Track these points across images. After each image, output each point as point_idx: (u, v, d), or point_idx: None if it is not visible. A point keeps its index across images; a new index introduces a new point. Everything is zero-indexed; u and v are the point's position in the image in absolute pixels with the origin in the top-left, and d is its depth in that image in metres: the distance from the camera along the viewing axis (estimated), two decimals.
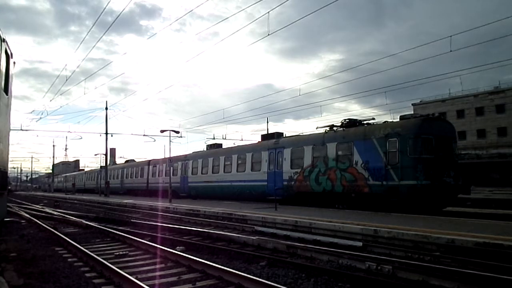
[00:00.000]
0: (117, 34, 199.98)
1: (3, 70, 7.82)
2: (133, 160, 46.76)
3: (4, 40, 7.75)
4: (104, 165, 42.08)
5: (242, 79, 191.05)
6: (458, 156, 17.00)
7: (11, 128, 12.02)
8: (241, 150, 23.88)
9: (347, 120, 17.93)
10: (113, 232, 10.89)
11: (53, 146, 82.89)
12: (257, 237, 9.52)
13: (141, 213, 19.29)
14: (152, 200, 26.27)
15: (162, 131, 25.42)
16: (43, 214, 18.93)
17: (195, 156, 28.74)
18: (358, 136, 16.02)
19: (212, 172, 25.53)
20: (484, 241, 7.27)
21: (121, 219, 15.55)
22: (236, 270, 6.08)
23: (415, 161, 13.93)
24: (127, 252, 8.40)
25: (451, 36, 16.04)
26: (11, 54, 8.62)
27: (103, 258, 7.06)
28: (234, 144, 33.69)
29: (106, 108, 37.91)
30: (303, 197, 18.08)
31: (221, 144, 29.75)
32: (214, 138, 42.41)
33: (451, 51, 16.47)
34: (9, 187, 61.95)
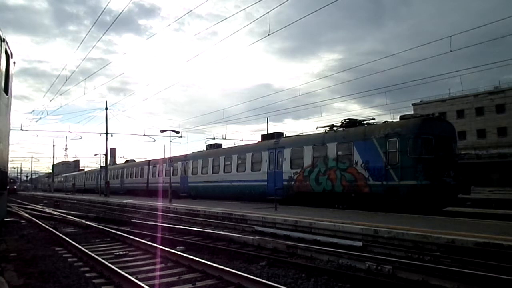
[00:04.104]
0: (116, 33, 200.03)
1: (3, 70, 7.82)
2: (133, 160, 46.77)
3: (4, 40, 7.75)
4: (104, 165, 42.08)
5: (241, 79, 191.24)
6: (458, 156, 17.00)
7: (11, 128, 12.02)
8: (241, 150, 23.89)
9: (347, 120, 17.94)
10: (113, 232, 10.89)
11: (53, 146, 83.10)
12: (257, 237, 9.52)
13: (141, 213, 19.29)
14: (152, 200, 26.28)
15: (162, 131, 25.44)
16: (43, 214, 18.93)
17: (195, 156, 28.75)
18: (358, 136, 16.02)
19: (212, 172, 25.53)
20: (484, 241, 7.27)
21: (121, 219, 15.55)
22: (236, 270, 6.07)
23: (415, 161, 13.93)
24: (127, 252, 8.40)
25: (451, 36, 16.05)
26: (11, 54, 8.62)
27: (103, 258, 7.06)
28: (234, 144, 33.72)
29: (106, 108, 37.94)
30: (303, 197, 18.08)
31: (221, 144, 29.76)
32: (214, 138, 42.48)
33: (451, 51, 16.47)
34: (15, 187, 61.96)
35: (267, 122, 53.91)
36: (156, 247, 8.25)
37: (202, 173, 26.81)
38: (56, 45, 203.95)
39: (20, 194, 59.80)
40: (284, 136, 22.30)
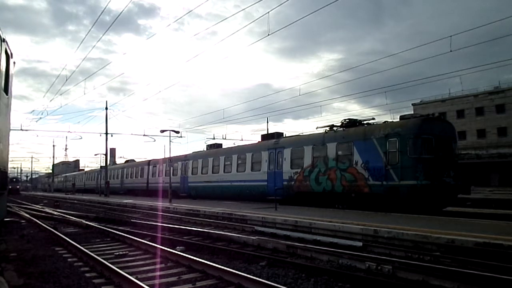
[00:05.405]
0: (115, 33, 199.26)
1: (3, 70, 7.83)
2: (133, 160, 46.79)
3: (4, 40, 7.76)
4: (104, 165, 42.09)
5: (240, 79, 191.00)
6: (458, 156, 17.00)
7: (11, 128, 12.03)
8: (241, 150, 23.89)
9: (347, 120, 17.95)
10: (113, 232, 10.89)
11: (53, 146, 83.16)
12: (257, 237, 9.52)
13: (141, 213, 19.30)
14: (152, 200, 26.28)
15: (162, 131, 25.45)
16: (43, 214, 18.93)
17: (195, 156, 28.76)
18: (358, 136, 16.03)
19: (212, 172, 25.54)
20: (484, 241, 7.27)
21: (121, 219, 15.55)
22: (236, 270, 6.08)
23: (415, 161, 13.93)
24: (127, 252, 8.40)
25: (451, 36, 16.03)
26: (11, 54, 8.63)
27: (103, 258, 7.07)
28: (234, 144, 33.74)
29: (106, 108, 37.93)
30: (303, 197, 18.08)
31: (221, 144, 29.78)
32: (214, 138, 42.48)
33: (451, 51, 16.45)
34: (17, 187, 61.69)
35: (267, 122, 53.96)
36: (156, 247, 8.25)
37: (202, 173, 26.81)
38: (55, 45, 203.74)
39: (20, 194, 59.78)
40: (284, 136, 22.31)
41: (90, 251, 7.84)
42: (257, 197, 20.60)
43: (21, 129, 38.87)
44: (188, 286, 5.69)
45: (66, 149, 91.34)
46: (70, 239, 9.57)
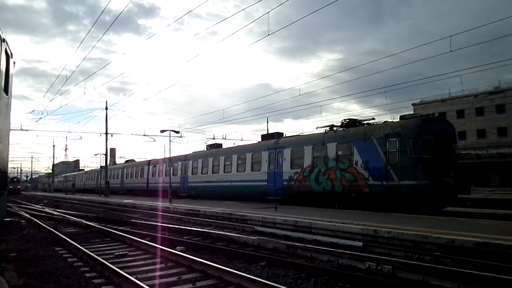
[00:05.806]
0: (115, 33, 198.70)
1: (3, 70, 7.84)
2: (133, 160, 46.81)
3: (4, 40, 7.76)
4: (104, 165, 42.09)
5: (240, 79, 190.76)
6: (458, 156, 17.00)
7: (11, 128, 12.03)
8: (241, 150, 23.90)
9: (347, 120, 17.95)
10: (113, 232, 10.90)
11: (53, 146, 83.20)
12: (257, 237, 9.52)
13: (141, 213, 19.30)
14: (152, 200, 26.28)
15: (162, 131, 25.46)
16: (43, 214, 18.93)
17: (195, 156, 28.77)
18: (358, 136, 16.03)
19: (212, 172, 25.54)
20: (484, 241, 7.27)
21: (121, 219, 15.55)
22: (236, 270, 6.08)
23: (415, 161, 13.93)
24: (127, 252, 8.41)
25: (451, 36, 16.04)
26: (11, 54, 8.63)
27: (103, 258, 7.07)
28: (234, 144, 33.74)
29: (106, 108, 37.95)
30: (303, 197, 18.08)
31: (221, 144, 29.80)
32: (214, 138, 42.48)
33: (451, 51, 16.46)
34: (18, 187, 61.58)
35: (267, 122, 54.02)
36: (156, 247, 8.25)
37: (202, 173, 26.82)
38: (55, 45, 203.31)
39: (21, 194, 59.75)
40: (284, 136, 22.32)
41: (90, 251, 7.84)
42: (257, 197, 20.60)
43: (21, 129, 38.90)
44: (188, 286, 5.69)
45: (66, 149, 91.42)
46: (70, 239, 9.58)
